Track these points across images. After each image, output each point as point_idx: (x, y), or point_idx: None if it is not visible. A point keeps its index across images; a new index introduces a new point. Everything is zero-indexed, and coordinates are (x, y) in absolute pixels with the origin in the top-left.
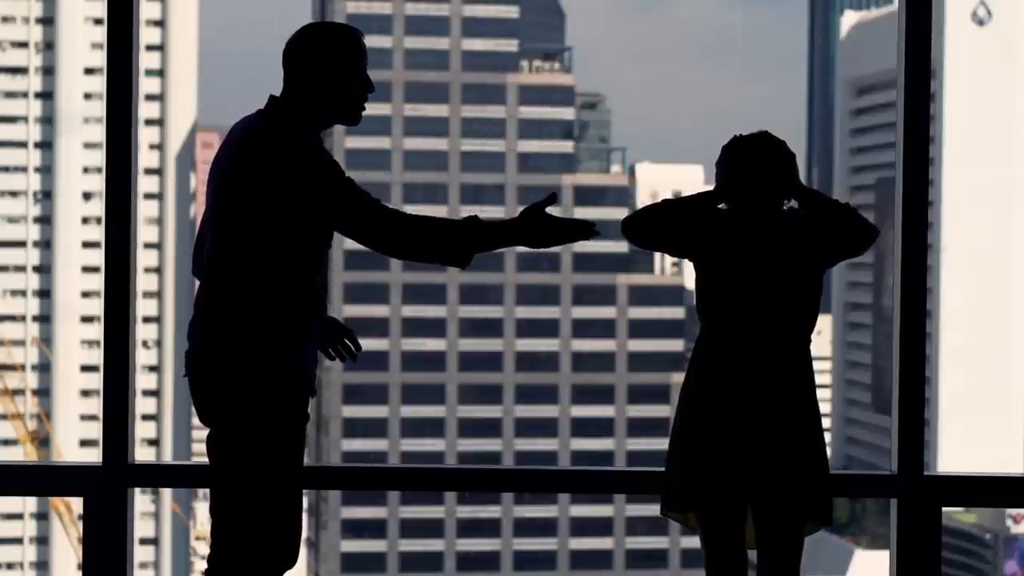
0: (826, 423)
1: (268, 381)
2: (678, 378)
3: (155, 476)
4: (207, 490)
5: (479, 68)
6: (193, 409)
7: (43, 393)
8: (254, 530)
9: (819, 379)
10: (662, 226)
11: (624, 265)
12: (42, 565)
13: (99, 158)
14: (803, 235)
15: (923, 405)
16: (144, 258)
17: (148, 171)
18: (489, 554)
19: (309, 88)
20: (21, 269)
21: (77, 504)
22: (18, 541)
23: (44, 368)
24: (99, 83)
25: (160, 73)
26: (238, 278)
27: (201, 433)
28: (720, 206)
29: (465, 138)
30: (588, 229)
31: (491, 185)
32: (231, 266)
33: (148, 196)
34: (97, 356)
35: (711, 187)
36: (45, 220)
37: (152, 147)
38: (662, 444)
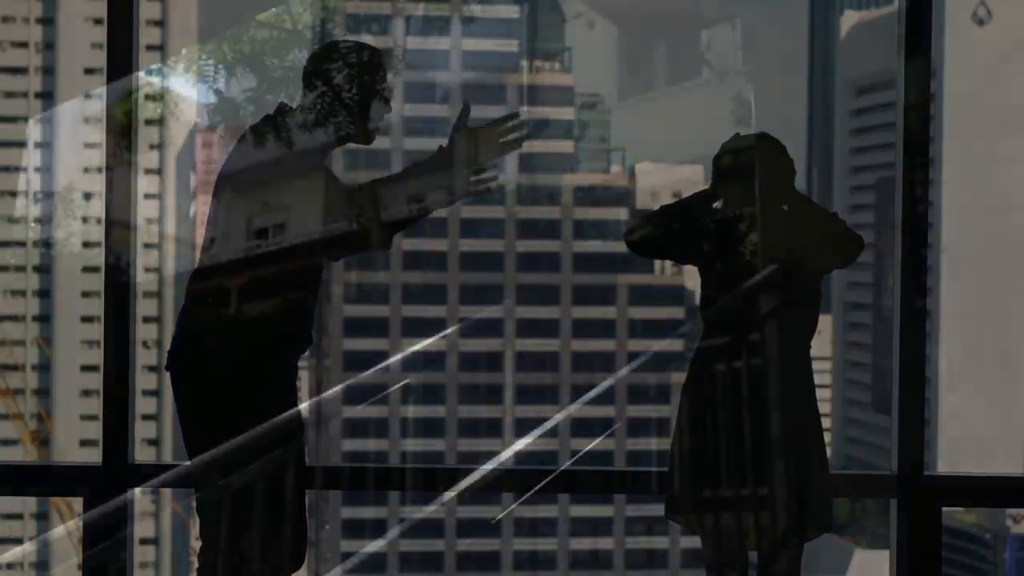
0: (826, 423)
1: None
2: (678, 378)
3: (155, 476)
4: None
5: (479, 68)
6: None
7: (43, 393)
8: (243, 531)
9: (819, 379)
10: (663, 233)
11: (624, 265)
12: (42, 565)
13: (99, 158)
14: (800, 239)
15: (923, 405)
16: (144, 258)
17: (148, 171)
18: (489, 554)
19: (325, 104)
20: (21, 269)
21: (77, 504)
22: (18, 541)
23: (44, 368)
24: (99, 83)
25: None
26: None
27: None
28: (715, 205)
29: None
30: (513, 116)
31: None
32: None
33: (148, 196)
34: (97, 356)
35: (706, 186)
36: (45, 220)
37: (152, 147)
38: (662, 444)
